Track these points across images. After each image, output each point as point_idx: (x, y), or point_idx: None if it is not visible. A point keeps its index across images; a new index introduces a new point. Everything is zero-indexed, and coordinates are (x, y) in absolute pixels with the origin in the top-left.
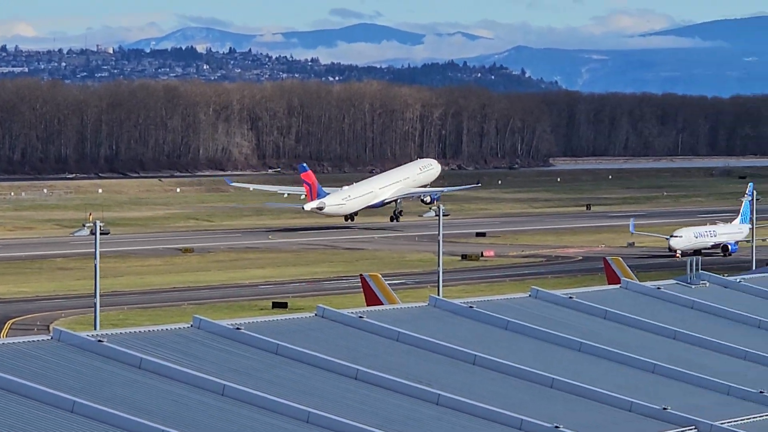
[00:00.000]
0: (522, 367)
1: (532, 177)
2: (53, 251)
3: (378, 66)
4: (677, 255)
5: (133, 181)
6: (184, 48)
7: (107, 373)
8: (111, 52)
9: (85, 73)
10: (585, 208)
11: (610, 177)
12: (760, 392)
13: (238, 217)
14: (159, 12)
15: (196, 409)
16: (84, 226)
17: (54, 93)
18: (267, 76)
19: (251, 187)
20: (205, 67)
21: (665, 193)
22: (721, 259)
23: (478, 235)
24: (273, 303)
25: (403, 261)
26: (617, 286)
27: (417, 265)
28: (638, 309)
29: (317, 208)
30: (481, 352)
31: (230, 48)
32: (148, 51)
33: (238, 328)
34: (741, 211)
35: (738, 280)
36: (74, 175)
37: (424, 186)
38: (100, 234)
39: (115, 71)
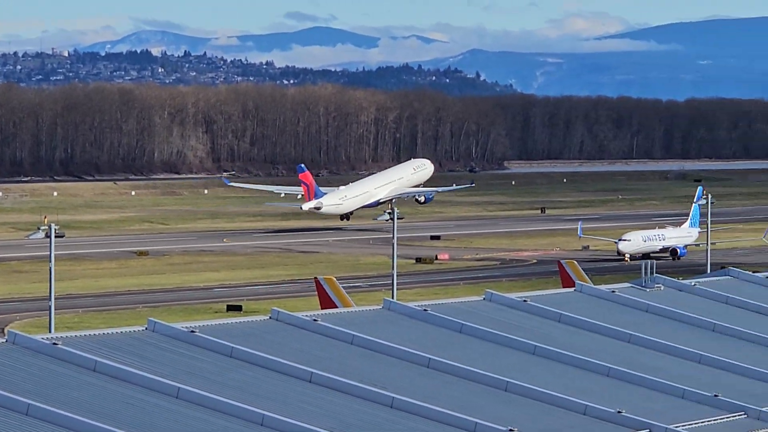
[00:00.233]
0: (476, 370)
1: (486, 180)
2: (8, 254)
3: (333, 69)
4: (626, 259)
5: (88, 185)
6: (139, 51)
7: (62, 375)
8: (66, 55)
9: (40, 76)
10: (540, 211)
11: (565, 180)
12: (715, 395)
13: (192, 220)
14: (114, 15)
15: (151, 412)
16: (39, 229)
17: (9, 96)
18: (222, 79)
19: (248, 186)
20: (160, 70)
21: (620, 197)
22: (674, 263)
23: (433, 238)
24: (228, 306)
25: (358, 264)
26: (572, 289)
27: (371, 268)
28: (593, 312)
29: (315, 208)
30: (436, 355)
31: (185, 51)
32: (103, 54)
33: (192, 331)
34: (690, 214)
35: (693, 284)
36: (29, 178)
37: (418, 186)
38: (55, 237)
39: (71, 74)
